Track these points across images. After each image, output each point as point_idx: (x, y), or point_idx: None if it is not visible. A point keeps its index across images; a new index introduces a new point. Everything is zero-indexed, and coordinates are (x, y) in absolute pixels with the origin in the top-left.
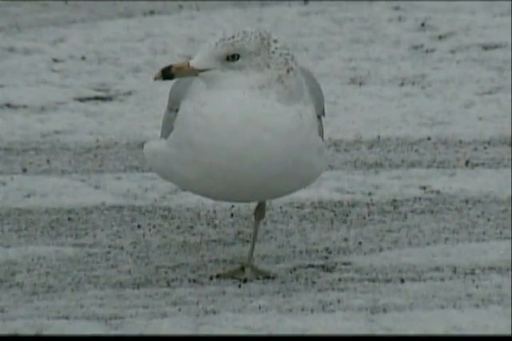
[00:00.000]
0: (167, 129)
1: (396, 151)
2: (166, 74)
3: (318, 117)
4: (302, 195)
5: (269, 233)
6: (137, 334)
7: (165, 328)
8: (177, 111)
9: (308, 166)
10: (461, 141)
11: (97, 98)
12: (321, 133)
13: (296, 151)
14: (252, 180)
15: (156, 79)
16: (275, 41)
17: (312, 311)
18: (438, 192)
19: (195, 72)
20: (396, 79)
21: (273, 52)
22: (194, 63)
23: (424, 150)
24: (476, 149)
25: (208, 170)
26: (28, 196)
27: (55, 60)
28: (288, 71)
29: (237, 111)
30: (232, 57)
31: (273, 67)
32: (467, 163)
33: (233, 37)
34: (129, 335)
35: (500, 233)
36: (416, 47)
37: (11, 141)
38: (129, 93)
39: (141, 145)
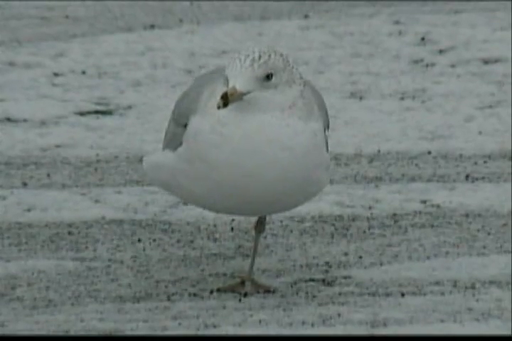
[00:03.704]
0: (174, 143)
1: (396, 165)
2: (225, 101)
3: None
4: (302, 209)
5: (269, 247)
6: (138, 335)
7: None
8: (185, 126)
9: (316, 182)
10: (461, 155)
11: (97, 112)
12: (327, 149)
13: (309, 169)
14: (262, 196)
15: (219, 108)
16: (287, 55)
17: (312, 325)
18: (438, 206)
19: (241, 97)
20: (396, 93)
21: (293, 67)
22: (241, 87)
23: (425, 165)
24: (476, 163)
25: (219, 186)
26: (29, 210)
27: (56, 74)
28: (304, 85)
29: (260, 133)
30: (268, 77)
31: (297, 82)
32: (467, 177)
33: (260, 56)
34: (129, 336)
35: (501, 247)
36: (416, 62)
37: (11, 155)
38: (130, 107)
39: (142, 159)
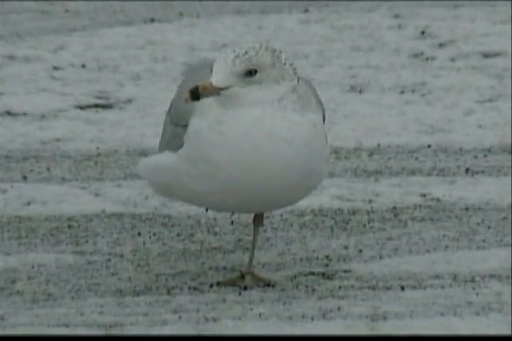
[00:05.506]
0: (174, 144)
1: (396, 159)
2: (195, 95)
3: None
4: (302, 202)
5: (269, 240)
6: (138, 335)
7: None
8: (185, 126)
9: (317, 175)
10: (461, 149)
11: (97, 106)
12: (327, 141)
13: (311, 161)
14: (267, 191)
15: (186, 101)
16: (280, 52)
17: (312, 319)
18: (438, 199)
19: (218, 91)
20: (396, 86)
21: (285, 64)
22: (216, 82)
23: (425, 158)
24: (476, 157)
25: (224, 184)
26: (28, 204)
27: (56, 68)
28: (298, 80)
29: (258, 128)
30: (250, 73)
31: (287, 78)
32: (467, 170)
33: (246, 52)
34: (129, 336)
35: (501, 240)
36: (416, 55)
37: (11, 148)
38: (129, 101)
39: (142, 152)
